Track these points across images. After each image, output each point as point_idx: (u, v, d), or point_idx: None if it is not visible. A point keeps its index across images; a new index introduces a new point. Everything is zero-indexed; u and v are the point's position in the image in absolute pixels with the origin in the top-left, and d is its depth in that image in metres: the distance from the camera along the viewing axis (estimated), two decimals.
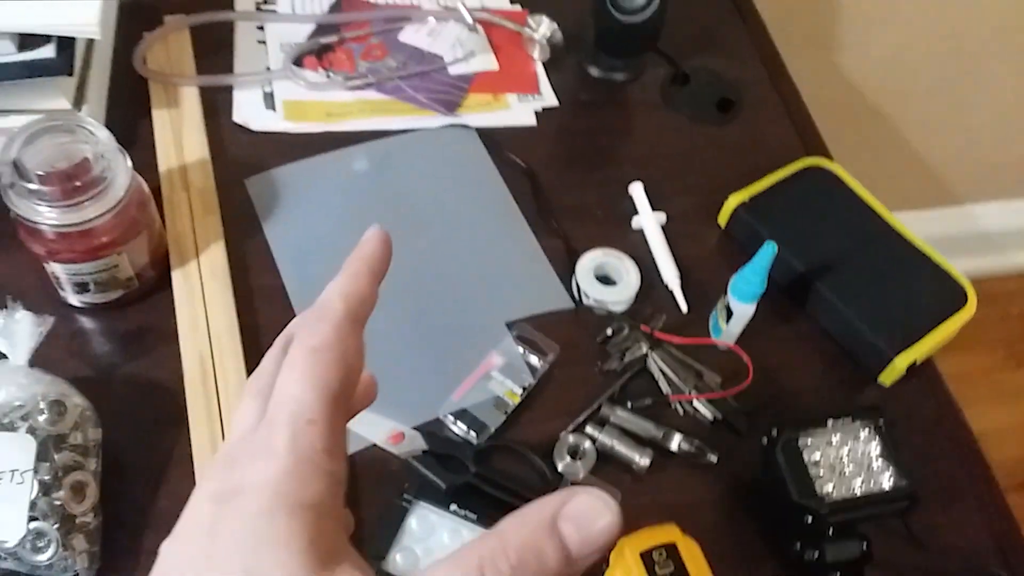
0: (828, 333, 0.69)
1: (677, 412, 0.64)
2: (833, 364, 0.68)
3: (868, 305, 0.67)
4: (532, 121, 0.80)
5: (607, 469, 0.60)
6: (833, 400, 0.67)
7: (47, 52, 0.64)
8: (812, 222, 0.71)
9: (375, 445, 0.59)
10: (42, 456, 0.50)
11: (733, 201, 0.72)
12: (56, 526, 0.50)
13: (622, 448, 0.60)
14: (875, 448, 0.57)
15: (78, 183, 0.56)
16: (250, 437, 0.27)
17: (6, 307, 0.54)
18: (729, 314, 0.64)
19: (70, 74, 0.65)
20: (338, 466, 0.27)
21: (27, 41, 0.63)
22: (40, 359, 0.54)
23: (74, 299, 0.63)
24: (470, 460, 0.58)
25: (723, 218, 0.74)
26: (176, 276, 0.65)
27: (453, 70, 0.82)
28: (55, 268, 0.60)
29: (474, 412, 0.61)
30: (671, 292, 0.69)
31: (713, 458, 0.61)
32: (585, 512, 0.25)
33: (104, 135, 0.58)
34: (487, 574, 0.24)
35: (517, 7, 0.88)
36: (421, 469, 0.57)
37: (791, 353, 0.68)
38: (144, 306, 0.64)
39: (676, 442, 0.61)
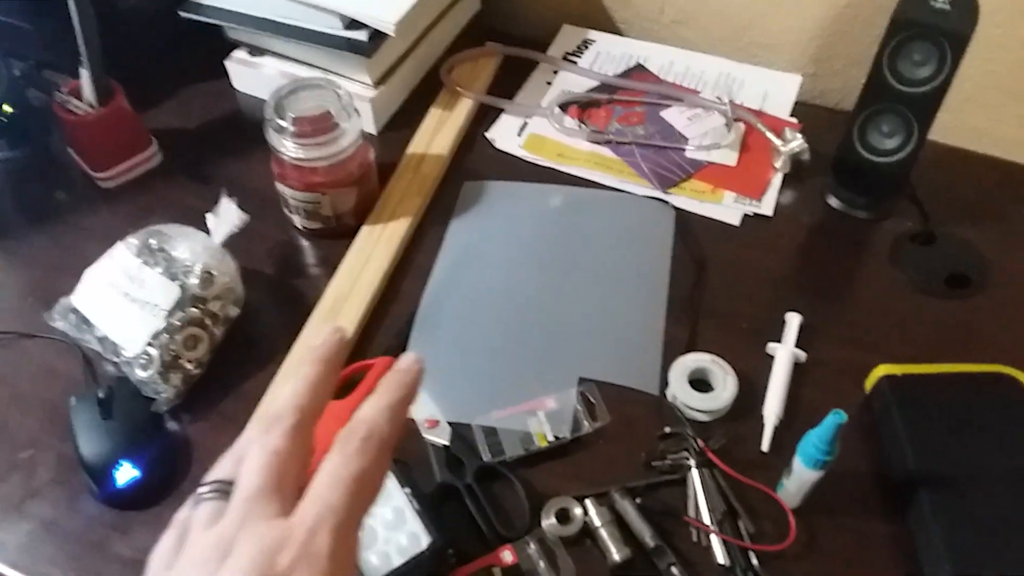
0: (912, 549, 0.58)
1: (691, 538, 0.60)
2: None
3: (967, 540, 0.55)
4: (735, 222, 0.79)
5: (583, 546, 0.59)
6: None
7: (361, 36, 0.82)
8: (962, 431, 0.61)
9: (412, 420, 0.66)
10: (179, 305, 0.66)
11: (881, 370, 0.65)
12: (163, 357, 0.65)
13: (605, 534, 0.58)
14: None
15: (313, 130, 0.72)
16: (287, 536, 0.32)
17: (225, 198, 0.72)
18: (791, 471, 0.59)
19: (369, 56, 0.82)
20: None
21: (352, 25, 0.82)
22: (238, 244, 0.71)
23: (291, 217, 0.79)
24: (471, 472, 0.62)
25: (869, 383, 0.66)
26: (364, 230, 0.78)
27: (690, 154, 0.84)
28: (280, 188, 0.77)
29: (501, 436, 0.64)
30: (763, 427, 0.65)
31: None
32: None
33: (349, 103, 0.73)
34: None
35: (793, 119, 0.87)
36: (432, 457, 0.63)
37: (856, 547, 0.59)
38: (333, 242, 0.78)
39: (666, 563, 0.58)
